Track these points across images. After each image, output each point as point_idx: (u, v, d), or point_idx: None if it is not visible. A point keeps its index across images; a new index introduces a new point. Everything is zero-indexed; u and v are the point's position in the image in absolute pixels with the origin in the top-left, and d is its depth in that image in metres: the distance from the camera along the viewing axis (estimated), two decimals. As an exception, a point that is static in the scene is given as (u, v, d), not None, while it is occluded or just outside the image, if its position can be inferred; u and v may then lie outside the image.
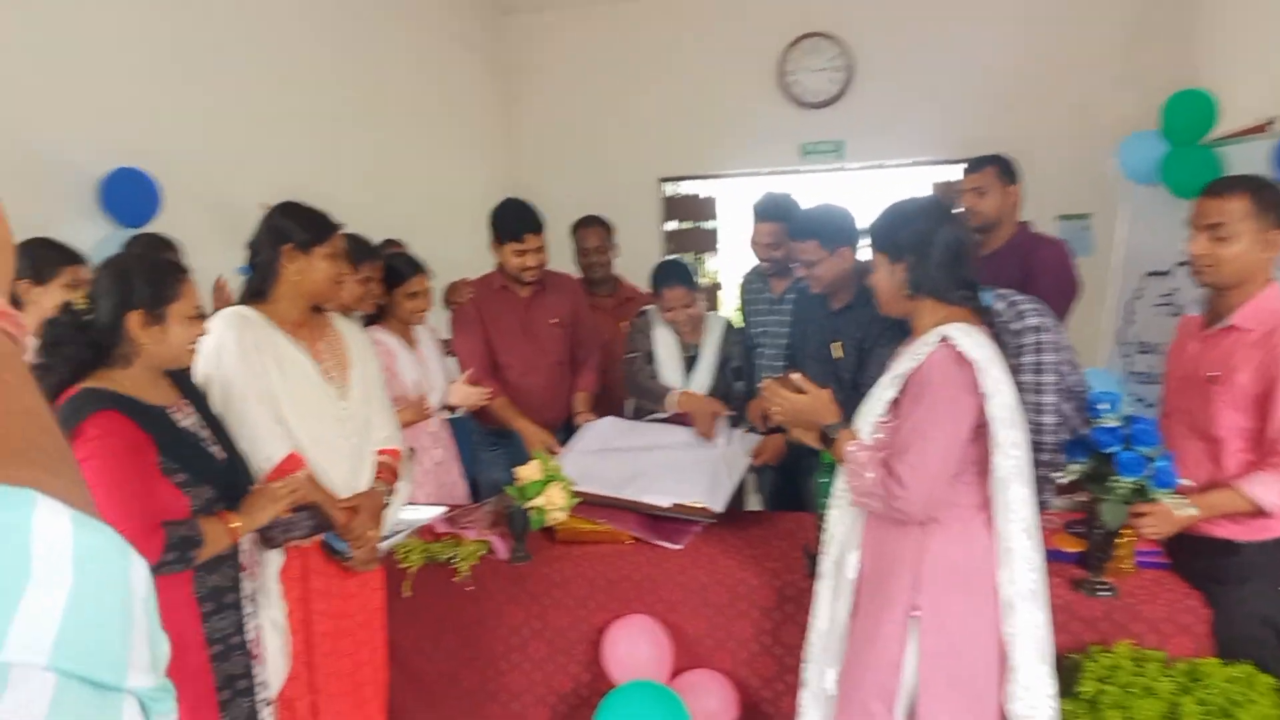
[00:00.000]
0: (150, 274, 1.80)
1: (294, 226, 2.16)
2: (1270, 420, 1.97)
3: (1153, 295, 3.78)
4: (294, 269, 2.15)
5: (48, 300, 2.34)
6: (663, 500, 2.60)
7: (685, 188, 6.44)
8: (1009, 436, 1.79)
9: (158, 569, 1.66)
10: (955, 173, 6.10)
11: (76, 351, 1.76)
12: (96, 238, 3.14)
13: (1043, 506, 2.39)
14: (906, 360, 1.88)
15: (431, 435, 3.00)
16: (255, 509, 1.87)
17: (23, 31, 2.95)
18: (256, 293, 2.18)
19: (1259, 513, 1.97)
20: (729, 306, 6.42)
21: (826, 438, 1.99)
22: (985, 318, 1.94)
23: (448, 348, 3.30)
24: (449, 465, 3.06)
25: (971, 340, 1.80)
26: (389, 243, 4.32)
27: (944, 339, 1.82)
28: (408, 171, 5.19)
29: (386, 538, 2.40)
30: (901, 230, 1.93)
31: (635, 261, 3.93)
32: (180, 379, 1.93)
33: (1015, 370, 2.35)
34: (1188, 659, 1.98)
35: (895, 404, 1.90)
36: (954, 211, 1.97)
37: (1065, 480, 2.16)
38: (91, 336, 1.77)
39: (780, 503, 3.22)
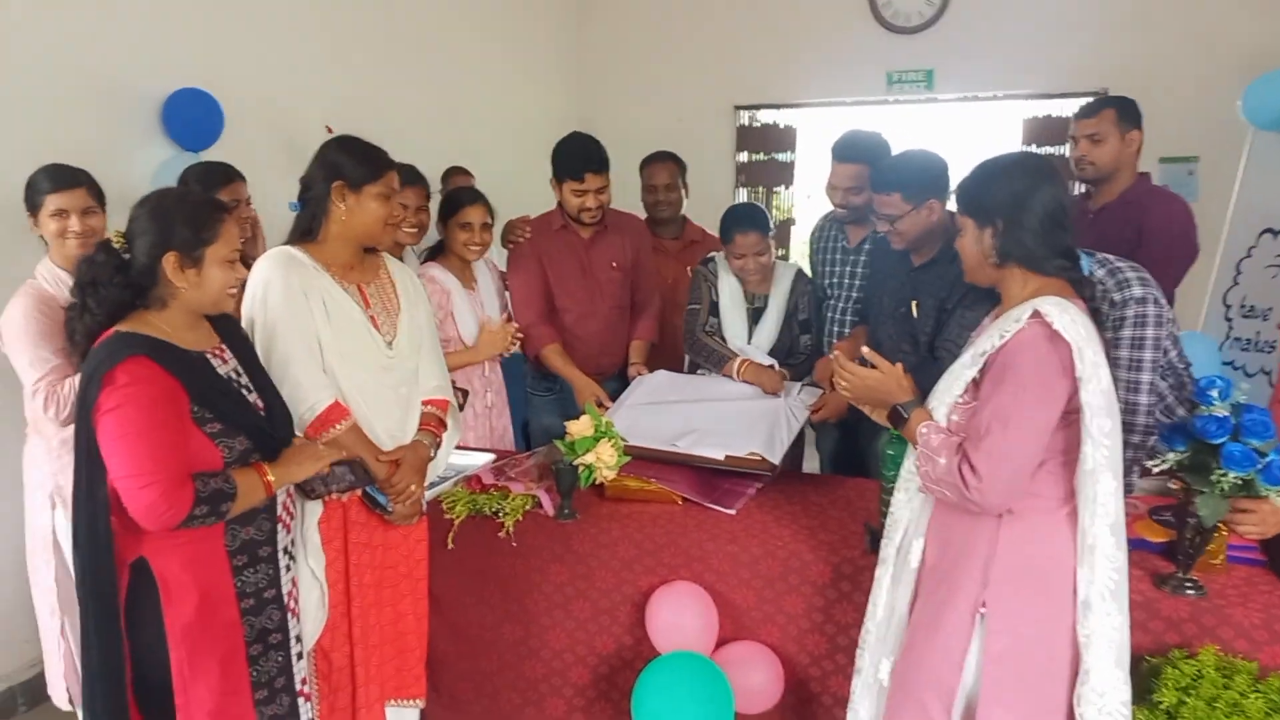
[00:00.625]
0: (188, 214, 1.72)
1: (347, 162, 2.06)
2: None
3: (1266, 255, 3.47)
4: (343, 207, 2.05)
5: (45, 228, 2.34)
6: (716, 453, 2.49)
7: (761, 116, 6.14)
8: (1102, 425, 1.60)
9: (187, 522, 1.62)
10: (1053, 108, 5.70)
11: (113, 293, 1.71)
12: (160, 160, 3.11)
13: (1126, 490, 2.22)
14: (991, 336, 1.69)
15: (483, 379, 2.93)
16: (293, 464, 1.82)
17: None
18: (306, 231, 2.09)
19: None
20: (802, 245, 6.20)
21: (898, 417, 1.84)
22: (1084, 290, 1.73)
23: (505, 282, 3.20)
24: (500, 409, 2.99)
25: (1068, 316, 1.61)
26: (456, 170, 4.21)
27: (1036, 314, 1.63)
28: (472, 97, 5.06)
29: (432, 485, 2.35)
30: (992, 191, 1.73)
31: (703, 194, 3.75)
32: (221, 322, 1.86)
33: (1113, 344, 2.15)
34: (1282, 673, 1.81)
35: (976, 384, 1.72)
36: (1052, 170, 1.75)
37: (1159, 468, 1.98)
38: (128, 277, 1.71)
39: (840, 465, 3.08)
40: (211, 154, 3.18)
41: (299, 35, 3.76)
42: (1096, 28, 5.30)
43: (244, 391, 1.81)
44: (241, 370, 1.84)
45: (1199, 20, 4.99)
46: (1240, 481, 1.82)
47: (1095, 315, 1.71)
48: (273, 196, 3.20)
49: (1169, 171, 5.43)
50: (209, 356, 1.78)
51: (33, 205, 2.36)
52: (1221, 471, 1.82)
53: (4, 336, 2.30)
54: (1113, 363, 2.16)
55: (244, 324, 1.98)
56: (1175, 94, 5.11)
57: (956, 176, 2.44)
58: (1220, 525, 1.94)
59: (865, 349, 1.92)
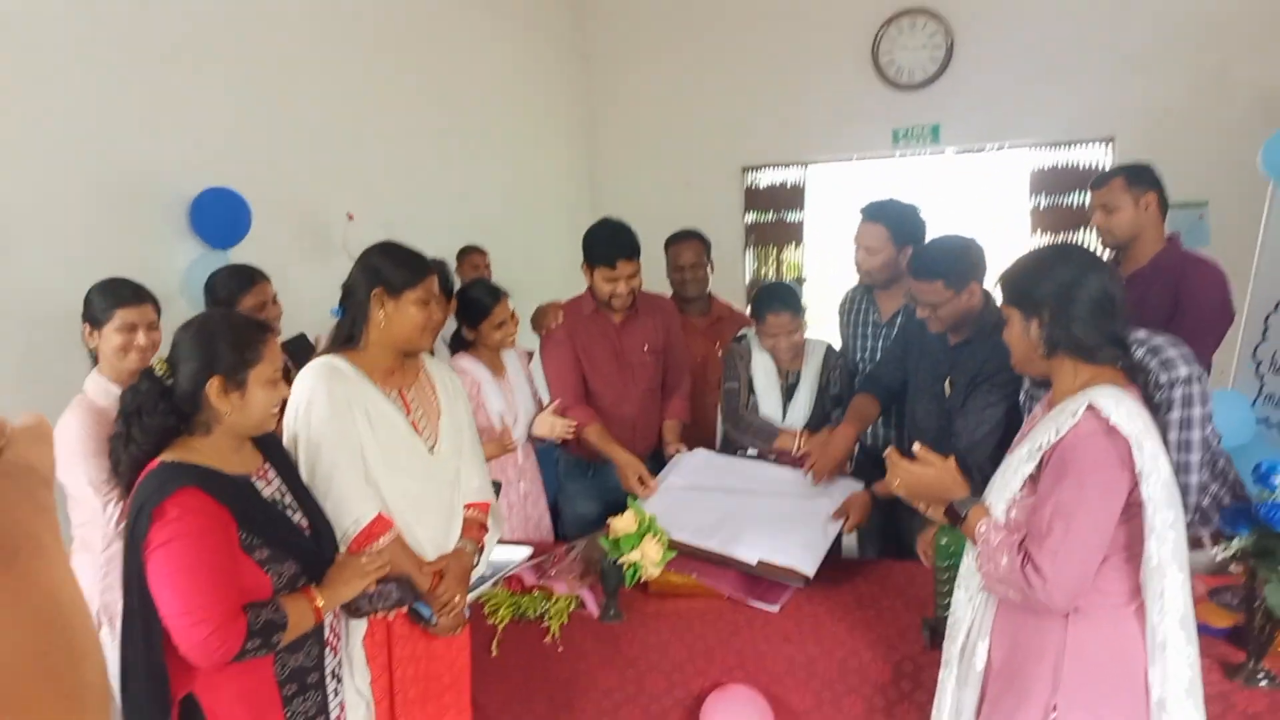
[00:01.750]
0: (231, 337, 1.71)
1: (387, 267, 2.05)
2: None
3: (1296, 309, 3.44)
4: (383, 314, 2.04)
5: (106, 344, 2.28)
6: (750, 556, 2.44)
7: (768, 176, 6.18)
8: (1165, 518, 1.57)
9: (239, 656, 1.58)
10: (1059, 157, 5.73)
11: (157, 420, 1.68)
12: (189, 259, 3.12)
13: (1194, 545, 2.17)
14: (1047, 429, 1.66)
15: (517, 468, 2.91)
16: (340, 583, 1.78)
17: (110, 52, 2.91)
18: (347, 339, 2.07)
19: None
20: (813, 301, 6.20)
21: (956, 515, 1.80)
22: (1138, 377, 1.71)
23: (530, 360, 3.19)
24: (535, 497, 2.96)
25: (1124, 409, 1.58)
26: (471, 250, 4.23)
27: (1091, 407, 1.60)
28: (486, 173, 5.09)
29: (472, 586, 2.30)
30: (1038, 282, 1.71)
31: (714, 256, 3.73)
32: (263, 440, 1.84)
33: (1163, 427, 2.12)
34: (1370, 771, 1.75)
35: (1033, 479, 1.69)
36: (1097, 259, 1.73)
37: (1222, 557, 1.94)
38: (172, 404, 1.69)
39: (881, 542, 3.03)
40: (239, 251, 3.19)
41: (320, 129, 3.80)
42: (1100, 76, 5.35)
43: (289, 513, 1.78)
44: (285, 490, 1.81)
45: (1205, 66, 5.03)
46: (1310, 570, 1.78)
47: (1151, 404, 1.69)
48: (299, 288, 3.20)
49: (1177, 217, 5.41)
50: (255, 480, 1.75)
51: (96, 318, 2.31)
52: (1291, 560, 1.78)
53: (59, 451, 2.25)
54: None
55: (286, 438, 1.96)
56: (1182, 140, 5.14)
57: (958, 232, 2.47)
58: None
59: (918, 446, 1.89)
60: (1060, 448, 1.62)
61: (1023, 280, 1.76)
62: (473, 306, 2.89)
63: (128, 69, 2.96)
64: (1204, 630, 2.05)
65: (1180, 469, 2.14)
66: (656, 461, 3.02)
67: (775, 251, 6.25)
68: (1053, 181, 5.71)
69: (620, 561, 2.28)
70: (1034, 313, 1.72)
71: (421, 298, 2.06)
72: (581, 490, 3.10)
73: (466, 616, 2.16)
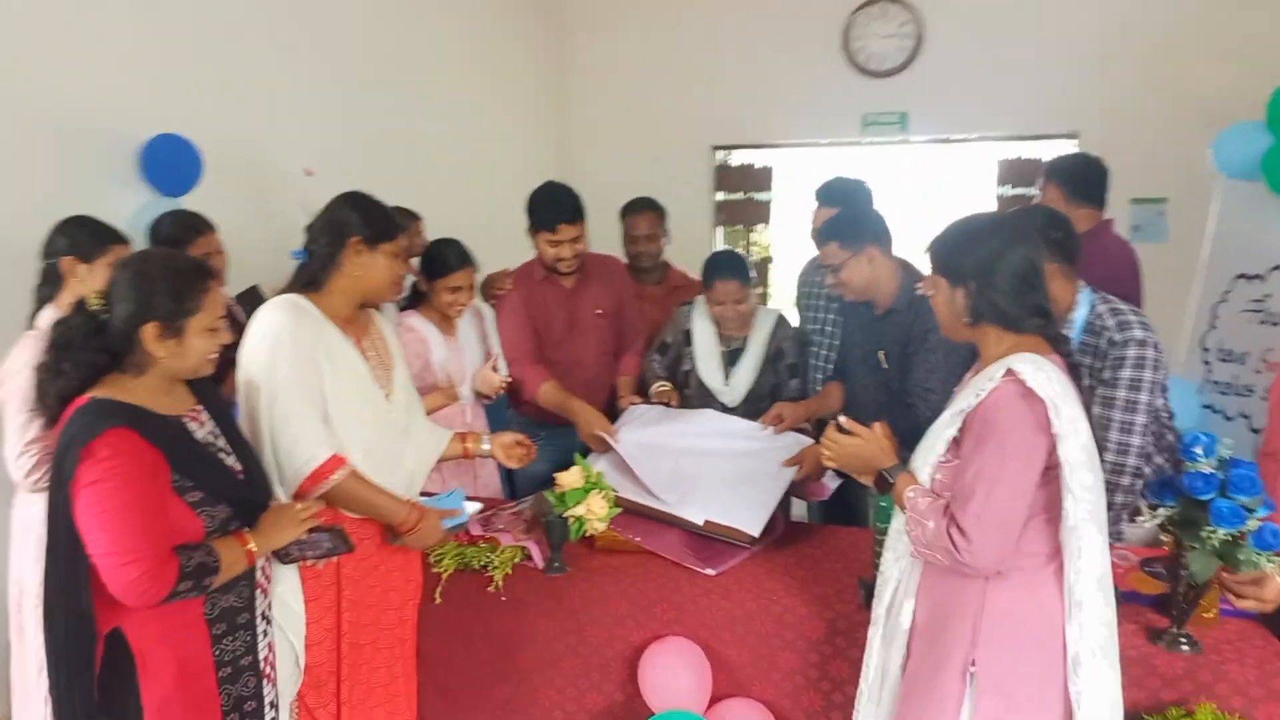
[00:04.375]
0: (171, 283, 1.67)
1: (365, 219, 2.05)
2: None
3: (1241, 300, 3.52)
4: (357, 264, 2.04)
5: (94, 279, 2.25)
6: (697, 516, 2.46)
7: (739, 157, 6.20)
8: (1083, 480, 1.61)
9: (170, 598, 1.57)
10: (1025, 149, 5.79)
11: (88, 356, 1.65)
12: (137, 204, 3.06)
13: (1116, 536, 2.23)
14: (968, 394, 1.70)
15: (466, 425, 2.90)
16: (274, 529, 1.77)
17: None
18: (310, 281, 2.06)
19: None
20: (780, 284, 6.23)
21: (884, 482, 1.83)
22: (1060, 346, 1.75)
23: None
24: (484, 458, 2.95)
25: (1042, 374, 1.61)
26: (403, 212, 4.12)
27: (1009, 372, 1.64)
28: (450, 141, 5.03)
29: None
30: (964, 252, 1.74)
31: (682, 233, 3.75)
32: (196, 380, 1.81)
33: (1110, 384, 2.18)
34: (1279, 731, 1.81)
35: (957, 442, 1.72)
36: (1023, 231, 1.76)
37: (1150, 522, 1.99)
38: (105, 341, 1.66)
39: (831, 511, 3.07)
40: (190, 199, 3.14)
41: (277, 80, 3.74)
42: (1067, 72, 5.41)
43: (222, 455, 1.77)
44: (219, 432, 1.79)
45: (1166, 67, 5.12)
46: (1230, 538, 1.83)
47: (1073, 370, 1.73)
48: (247, 243, 3.16)
49: (1139, 213, 5.55)
50: (186, 420, 1.73)
51: (87, 254, 2.33)
52: (1211, 528, 1.83)
53: (5, 386, 2.23)
54: (1108, 402, 2.20)
55: (242, 372, 1.94)
56: (1145, 137, 5.22)
57: (934, 223, 2.51)
58: (1213, 580, 1.95)
59: (843, 418, 1.92)
60: (980, 411, 1.66)
61: (950, 250, 1.78)
62: (436, 262, 2.87)
63: (79, 8, 2.90)
64: (1133, 598, 2.12)
65: (1123, 429, 2.20)
66: (612, 420, 3.02)
67: (744, 231, 6.28)
68: (1019, 173, 5.78)
69: (565, 515, 2.29)
70: (960, 282, 1.74)
71: (395, 251, 2.08)
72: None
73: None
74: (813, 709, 2.16)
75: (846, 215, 2.63)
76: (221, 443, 1.79)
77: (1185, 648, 1.94)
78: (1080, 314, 2.28)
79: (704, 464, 2.64)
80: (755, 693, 2.19)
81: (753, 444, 2.74)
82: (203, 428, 1.76)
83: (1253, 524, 1.81)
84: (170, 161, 3.09)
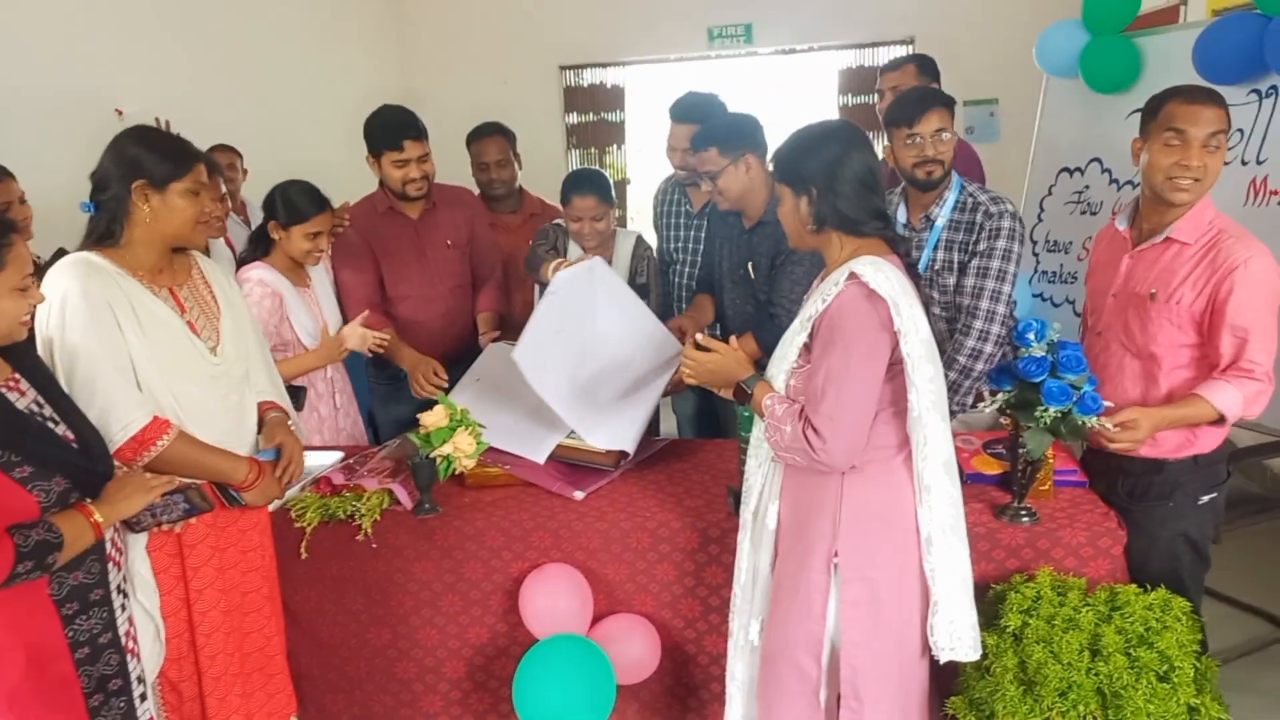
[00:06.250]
0: None
1: (148, 157, 1.85)
2: (1220, 333, 1.96)
3: (1065, 192, 3.73)
4: (147, 209, 1.85)
5: None
6: (538, 455, 2.43)
7: (589, 77, 6.08)
8: (925, 372, 1.70)
9: (9, 581, 1.45)
10: (865, 58, 5.92)
11: None
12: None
13: (976, 400, 2.36)
14: (815, 301, 1.75)
15: (327, 380, 2.76)
16: (121, 499, 1.65)
17: None
18: (105, 235, 1.88)
19: (1216, 422, 1.99)
20: (638, 206, 6.20)
21: (743, 392, 1.87)
22: (899, 247, 1.82)
23: None
24: (347, 409, 2.84)
25: (882, 275, 1.68)
26: (222, 149, 3.84)
27: (852, 275, 1.69)
28: (275, 68, 4.69)
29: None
30: (805, 160, 1.77)
31: (534, 159, 3.65)
32: (10, 348, 1.64)
33: (986, 254, 2.30)
34: (1106, 585, 1.98)
35: (808, 348, 1.78)
36: (860, 137, 1.81)
37: (990, 408, 2.12)
38: None
39: (698, 425, 3.13)
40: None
41: (81, 11, 3.37)
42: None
43: (50, 425, 1.62)
44: (42, 401, 1.64)
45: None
46: (1060, 414, 1.97)
47: (911, 269, 1.80)
48: (50, 191, 2.87)
49: (972, 114, 5.79)
50: (4, 391, 1.58)
51: None
52: (1043, 407, 1.96)
53: None
54: (983, 272, 2.32)
55: (39, 343, 1.77)
56: (976, 41, 5.43)
57: (777, 134, 2.53)
58: (1046, 454, 2.10)
59: (699, 335, 1.95)
60: (827, 315, 1.71)
61: (791, 158, 1.81)
62: (289, 208, 2.61)
63: None
64: (978, 479, 2.27)
65: (993, 297, 2.32)
66: (472, 359, 2.95)
67: (598, 153, 6.20)
68: (858, 82, 5.92)
69: (433, 456, 2.24)
70: (803, 189, 1.77)
71: (190, 188, 1.89)
72: (392, 393, 2.99)
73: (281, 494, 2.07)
74: (691, 615, 2.23)
75: (725, 121, 2.57)
76: (48, 411, 1.64)
77: (1026, 519, 2.10)
78: (951, 196, 2.40)
79: (598, 376, 2.57)
80: (636, 607, 2.23)
81: (638, 353, 2.68)
82: (24, 397, 1.61)
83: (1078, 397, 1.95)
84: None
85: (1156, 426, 1.97)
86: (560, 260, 2.70)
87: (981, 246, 2.33)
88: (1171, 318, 2.03)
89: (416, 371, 2.75)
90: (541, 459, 2.43)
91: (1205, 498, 2.11)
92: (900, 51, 5.73)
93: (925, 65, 3.21)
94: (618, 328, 2.64)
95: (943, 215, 2.38)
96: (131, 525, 1.78)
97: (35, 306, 1.63)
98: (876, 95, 3.15)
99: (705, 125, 2.57)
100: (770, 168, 1.92)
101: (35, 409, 1.62)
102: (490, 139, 3.29)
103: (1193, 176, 1.97)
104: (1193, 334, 2.02)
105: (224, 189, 2.99)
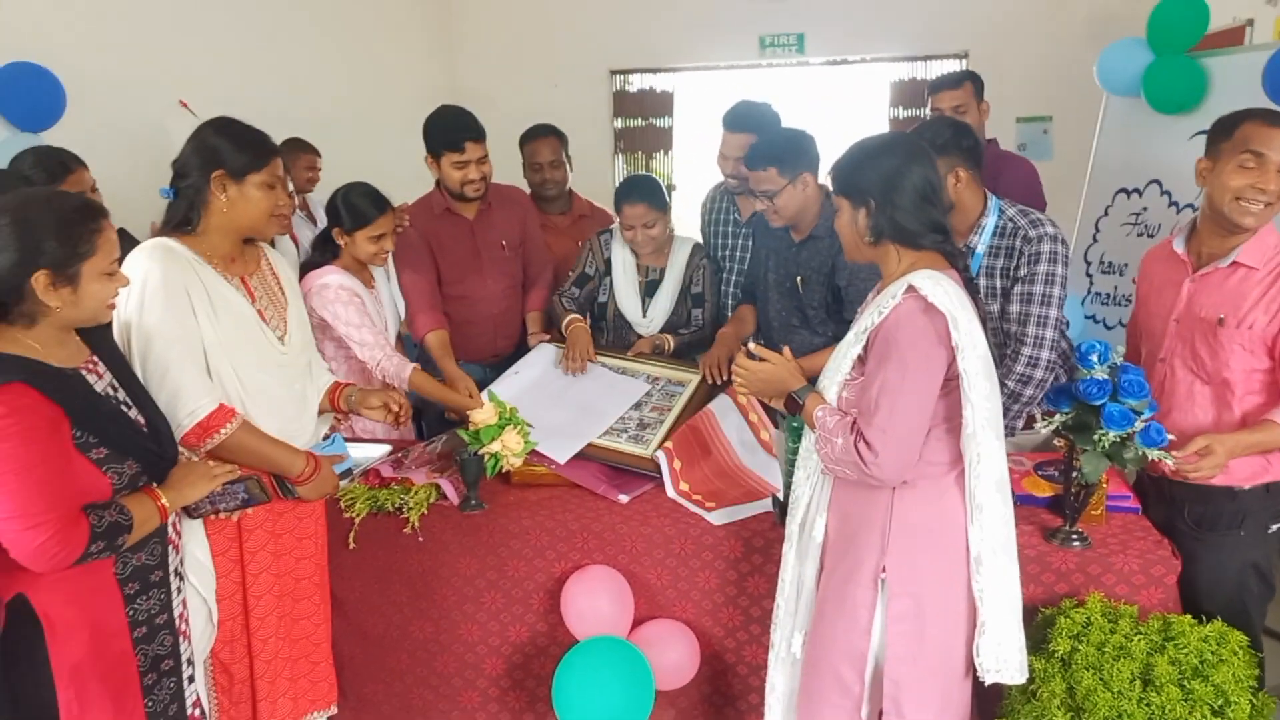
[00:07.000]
0: (60, 227, 1.52)
1: (228, 149, 1.90)
2: None
3: (1121, 213, 3.68)
4: (224, 199, 1.90)
5: None
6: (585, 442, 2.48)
7: (638, 82, 6.10)
8: (980, 389, 1.68)
9: (82, 559, 1.49)
10: (917, 70, 5.88)
11: None
12: (-11, 142, 2.81)
13: (1029, 423, 2.32)
14: (871, 313, 1.74)
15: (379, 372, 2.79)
16: (185, 485, 1.70)
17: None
18: (183, 222, 1.92)
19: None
20: (684, 211, 6.20)
21: (794, 404, 1.87)
22: (957, 262, 1.80)
23: None
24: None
25: (941, 289, 1.66)
26: (295, 144, 3.88)
27: (910, 288, 1.68)
28: (333, 68, 4.76)
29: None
30: (864, 172, 1.76)
31: (581, 161, 3.66)
32: (89, 330, 1.68)
33: (1028, 280, 2.26)
34: (1159, 614, 1.95)
35: (862, 360, 1.77)
36: (921, 149, 1.79)
37: (1045, 429, 2.09)
38: None
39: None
40: (53, 135, 2.89)
41: (144, 4, 3.45)
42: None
43: (124, 409, 1.66)
44: (118, 384, 1.68)
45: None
46: (1119, 439, 1.94)
47: (969, 284, 1.78)
48: (119, 180, 2.94)
49: (1025, 130, 5.72)
50: (84, 373, 1.62)
51: None
52: (1103, 431, 1.93)
53: None
54: (1026, 298, 2.28)
55: (116, 325, 1.82)
56: (1031, 57, 5.37)
57: (826, 144, 2.52)
58: (1100, 479, 2.06)
59: (752, 344, 1.96)
60: (883, 328, 1.70)
61: (850, 170, 1.80)
62: (353, 212, 2.64)
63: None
64: (1028, 500, 2.23)
65: (1040, 322, 2.28)
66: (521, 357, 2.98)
67: (645, 158, 6.22)
68: (911, 94, 5.87)
69: (480, 453, 2.26)
70: (861, 202, 1.76)
71: (267, 181, 1.94)
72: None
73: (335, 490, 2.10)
74: (732, 624, 2.22)
75: (783, 139, 2.54)
76: (122, 395, 1.68)
77: (1077, 544, 2.06)
78: (990, 220, 2.35)
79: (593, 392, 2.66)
80: (676, 613, 2.24)
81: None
82: (101, 380, 1.65)
83: (1139, 425, 1.92)
84: (27, 92, 2.82)
85: (1232, 453, 1.94)
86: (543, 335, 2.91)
87: (1023, 272, 2.28)
88: (1244, 343, 1.99)
89: (459, 385, 2.65)
90: (563, 459, 2.42)
91: (1275, 526, 2.08)
92: (954, 65, 5.69)
93: (979, 83, 3.18)
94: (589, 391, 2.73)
95: (982, 242, 2.34)
96: (189, 511, 1.81)
97: (120, 289, 1.67)
98: (933, 113, 3.13)
99: (762, 143, 2.55)
100: (825, 181, 1.92)
101: (111, 392, 1.66)
102: (544, 140, 3.31)
103: (1265, 200, 1.94)
104: (1265, 358, 2.00)
105: (290, 186, 3.03)
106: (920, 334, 1.66)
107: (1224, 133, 2.01)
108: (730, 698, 2.27)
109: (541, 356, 2.85)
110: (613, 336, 3.04)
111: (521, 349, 2.96)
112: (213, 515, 1.87)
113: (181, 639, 1.78)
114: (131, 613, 1.64)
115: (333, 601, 2.23)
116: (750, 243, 2.98)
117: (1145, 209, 3.57)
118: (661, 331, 2.98)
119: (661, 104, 6.12)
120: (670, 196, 6.18)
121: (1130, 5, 4.10)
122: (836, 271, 2.52)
